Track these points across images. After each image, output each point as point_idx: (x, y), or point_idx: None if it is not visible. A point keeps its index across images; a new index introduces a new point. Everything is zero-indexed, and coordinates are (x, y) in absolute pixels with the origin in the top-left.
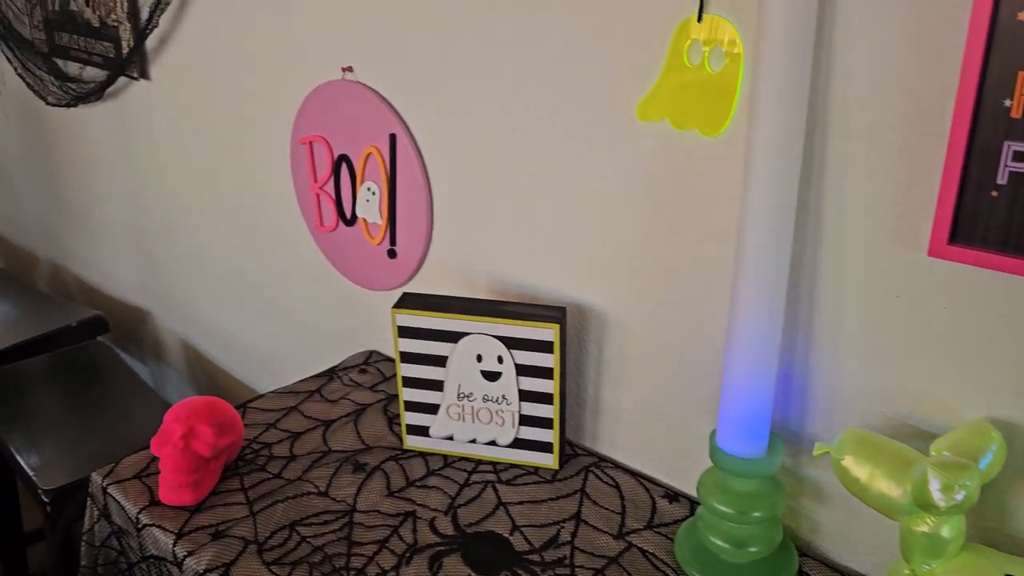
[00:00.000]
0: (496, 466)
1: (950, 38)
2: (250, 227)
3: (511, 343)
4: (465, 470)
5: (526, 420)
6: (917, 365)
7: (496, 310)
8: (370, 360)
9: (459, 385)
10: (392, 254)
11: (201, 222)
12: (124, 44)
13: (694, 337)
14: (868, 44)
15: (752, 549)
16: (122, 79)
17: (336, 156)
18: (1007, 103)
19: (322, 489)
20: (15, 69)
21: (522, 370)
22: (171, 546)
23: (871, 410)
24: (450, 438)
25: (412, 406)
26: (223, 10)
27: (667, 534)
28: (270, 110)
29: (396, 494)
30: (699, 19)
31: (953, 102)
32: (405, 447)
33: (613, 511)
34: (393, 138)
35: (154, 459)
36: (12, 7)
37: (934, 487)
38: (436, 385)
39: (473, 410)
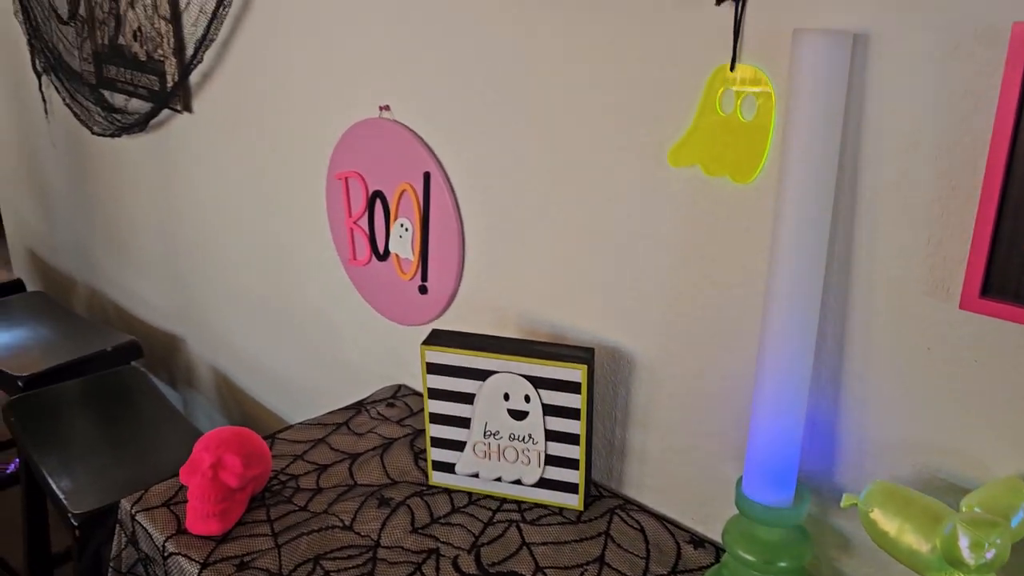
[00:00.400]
0: (521, 505)
1: (982, 94)
2: (284, 259)
3: (539, 383)
4: (490, 508)
5: (552, 460)
6: (948, 418)
7: (524, 349)
8: (398, 394)
9: (486, 423)
10: (423, 290)
11: (236, 252)
12: (169, 78)
13: (722, 382)
14: (899, 98)
15: None
16: (165, 111)
17: (371, 192)
18: None
19: (347, 523)
20: (63, 99)
21: (549, 410)
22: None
23: (901, 462)
24: (476, 475)
25: (439, 442)
26: (265, 48)
27: None
28: (308, 145)
29: (420, 530)
30: (732, 68)
31: (985, 157)
32: (431, 483)
33: (638, 555)
34: (427, 176)
35: (182, 488)
36: (63, 40)
37: (963, 544)
38: (463, 422)
39: (499, 448)
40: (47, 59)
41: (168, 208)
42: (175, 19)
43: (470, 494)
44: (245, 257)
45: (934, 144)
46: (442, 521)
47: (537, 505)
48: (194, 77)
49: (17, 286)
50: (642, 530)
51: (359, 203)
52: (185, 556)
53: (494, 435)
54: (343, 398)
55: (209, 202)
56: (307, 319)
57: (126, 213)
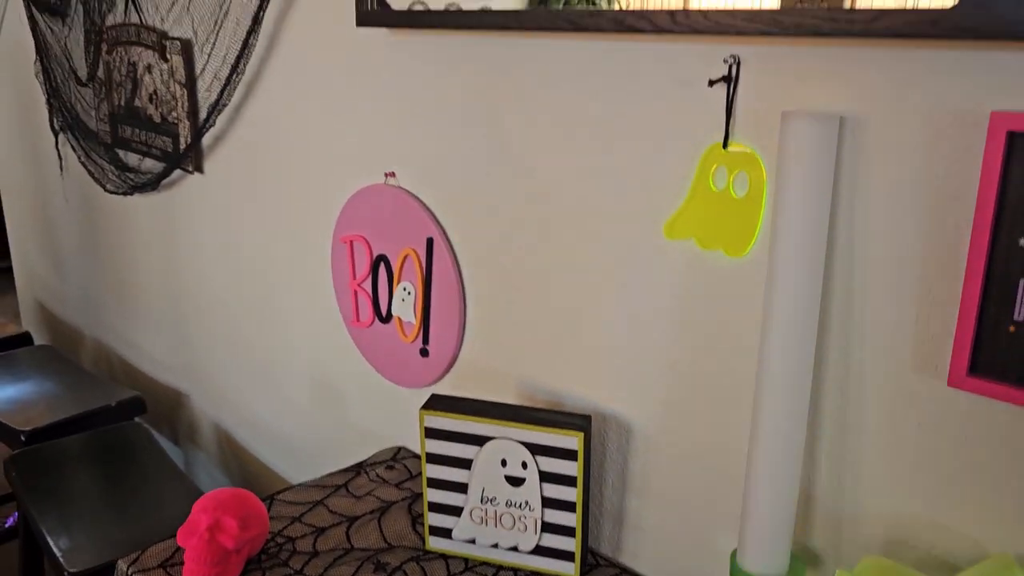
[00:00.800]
0: (517, 572)
1: (964, 177)
2: (288, 318)
3: (536, 449)
4: (486, 575)
5: (548, 527)
6: (940, 495)
7: (522, 415)
8: (398, 456)
9: (483, 488)
10: (424, 353)
11: (240, 310)
12: (182, 140)
13: (719, 452)
14: (885, 179)
15: None
16: (177, 171)
17: (375, 255)
18: (1022, 242)
19: None
20: (78, 157)
21: (546, 477)
22: None
23: (893, 538)
24: (472, 541)
25: (436, 507)
26: (276, 113)
27: None
28: (314, 208)
29: None
30: (725, 146)
31: (968, 239)
32: (428, 548)
33: None
34: (430, 242)
35: (179, 549)
36: (81, 101)
37: None
38: (460, 487)
39: (496, 514)
40: (64, 118)
41: (175, 265)
42: (190, 84)
43: (467, 560)
44: (249, 315)
45: (919, 224)
46: None
47: (534, 573)
48: (206, 139)
49: (25, 339)
50: None
51: (363, 266)
52: None
53: (491, 501)
54: (343, 458)
55: (216, 260)
56: (309, 379)
57: (134, 269)
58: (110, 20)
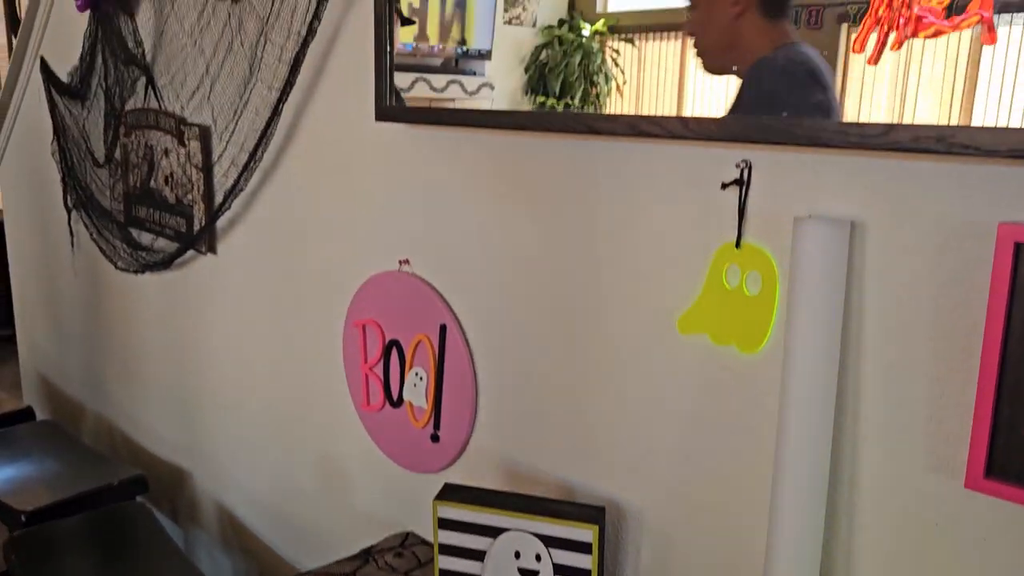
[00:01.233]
0: None
1: (973, 284)
2: (297, 400)
3: (550, 542)
4: None
5: None
6: None
7: (536, 507)
8: (406, 543)
9: None
10: (435, 438)
11: (247, 390)
12: (197, 221)
13: (734, 545)
14: (896, 283)
15: None
16: (190, 252)
17: (387, 340)
18: None
19: None
20: (90, 234)
21: (560, 570)
22: None
23: None
24: None
25: None
26: (291, 198)
27: None
28: (327, 292)
29: None
30: (737, 245)
31: (980, 342)
32: None
33: None
34: (443, 328)
35: None
36: (96, 180)
37: None
38: None
39: None
40: (78, 196)
41: (183, 342)
42: (207, 169)
43: None
44: (256, 395)
45: (931, 327)
46: None
47: None
48: (221, 221)
49: (27, 414)
50: None
51: (375, 350)
52: None
53: None
54: (349, 542)
55: (224, 340)
56: (317, 461)
57: (140, 345)
58: (130, 104)
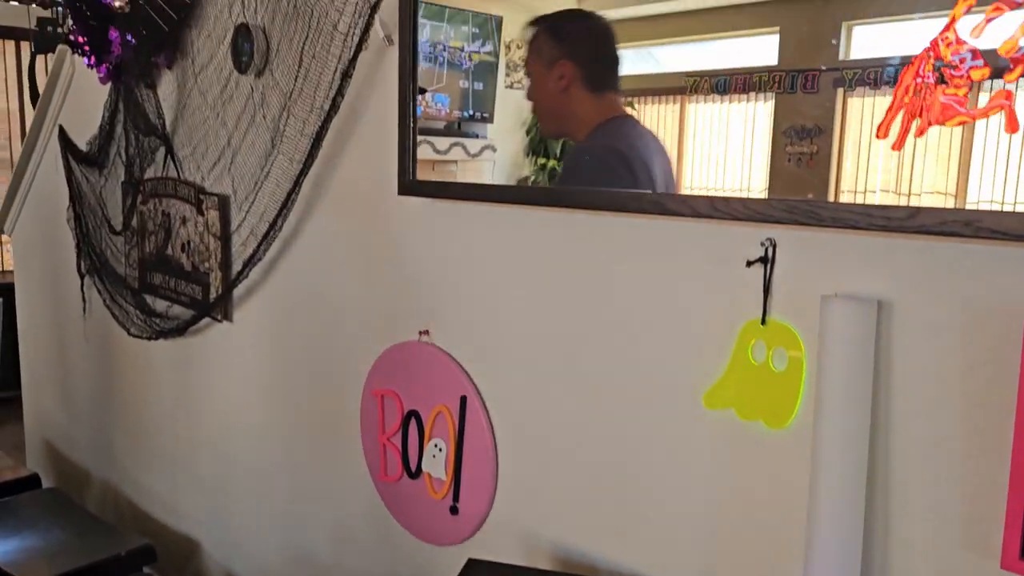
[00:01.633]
0: None
1: (1003, 363)
2: (311, 468)
3: None
4: None
5: None
6: None
7: None
8: None
9: None
10: (454, 511)
11: (259, 458)
12: (213, 289)
13: None
14: (925, 360)
15: None
16: (205, 319)
17: (406, 410)
18: None
19: None
20: (103, 300)
21: None
22: None
23: None
24: None
25: None
26: (310, 268)
27: None
28: (345, 361)
29: None
30: (763, 322)
31: (1012, 421)
32: None
33: None
34: (464, 400)
35: None
36: (111, 247)
37: None
38: None
39: None
40: (92, 262)
41: (195, 409)
42: (225, 238)
43: None
44: (269, 463)
45: (961, 405)
46: None
47: None
48: (238, 289)
49: (32, 482)
50: None
51: (394, 420)
52: None
53: None
54: None
55: (238, 407)
56: (332, 531)
57: (150, 411)
58: (149, 173)
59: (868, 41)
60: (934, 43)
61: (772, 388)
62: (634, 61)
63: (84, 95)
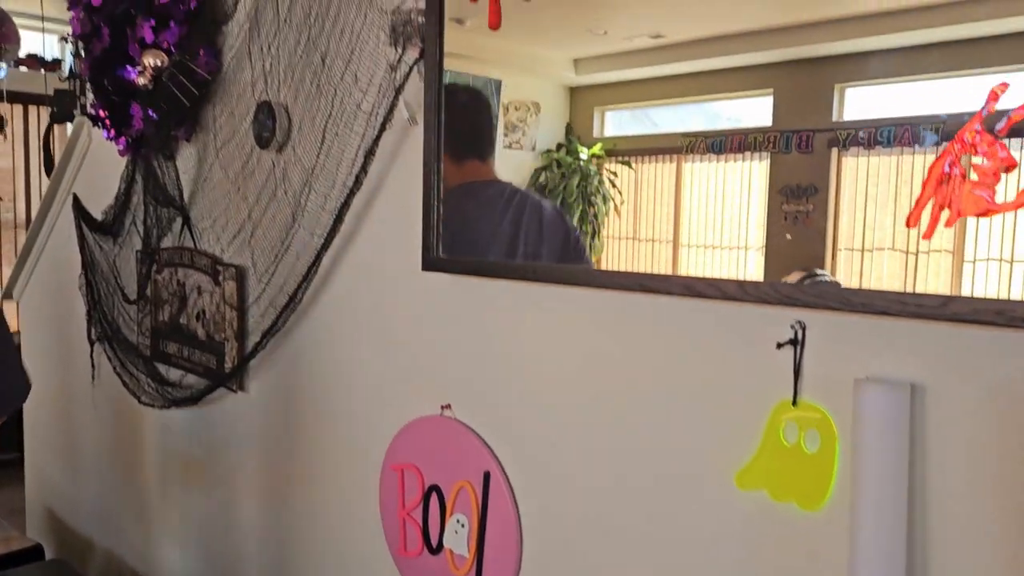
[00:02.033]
0: None
1: None
2: (329, 543)
3: None
4: None
5: None
6: None
7: None
8: None
9: None
10: None
11: (275, 532)
12: (228, 359)
13: None
14: (961, 442)
15: None
16: (220, 389)
17: (427, 486)
18: None
19: None
20: (114, 368)
21: None
22: None
23: None
24: None
25: None
26: (329, 339)
27: None
28: (364, 434)
29: None
30: (794, 403)
31: None
32: None
33: None
34: (487, 476)
35: None
36: (123, 315)
37: None
38: None
39: None
40: (103, 329)
41: (208, 481)
42: (241, 309)
43: None
44: (283, 537)
45: (998, 490)
46: None
47: None
48: (253, 360)
49: (36, 553)
50: None
51: (414, 495)
52: None
53: None
54: None
55: (250, 479)
56: None
57: (160, 481)
58: (165, 242)
59: (861, 102)
60: (960, 136)
61: (805, 469)
62: (631, 122)
63: (100, 165)
